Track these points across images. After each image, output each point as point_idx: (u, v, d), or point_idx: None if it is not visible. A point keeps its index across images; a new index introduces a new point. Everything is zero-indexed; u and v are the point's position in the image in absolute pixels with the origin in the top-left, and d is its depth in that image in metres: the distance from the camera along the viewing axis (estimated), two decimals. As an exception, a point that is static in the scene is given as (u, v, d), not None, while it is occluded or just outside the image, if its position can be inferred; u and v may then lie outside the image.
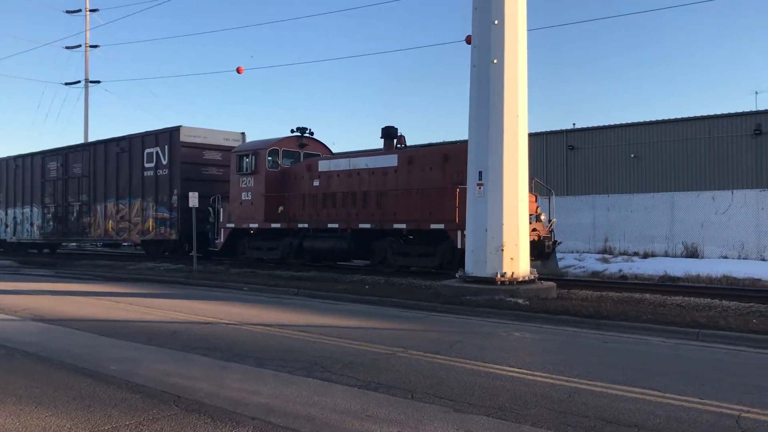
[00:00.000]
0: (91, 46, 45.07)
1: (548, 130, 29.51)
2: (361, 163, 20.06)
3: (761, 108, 25.62)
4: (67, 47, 45.68)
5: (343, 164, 20.54)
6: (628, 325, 10.57)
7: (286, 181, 21.75)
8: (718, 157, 24.93)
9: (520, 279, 13.78)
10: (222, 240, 23.17)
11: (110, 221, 27.71)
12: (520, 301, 12.73)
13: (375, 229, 19.16)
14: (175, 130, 25.01)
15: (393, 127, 20.44)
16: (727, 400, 6.07)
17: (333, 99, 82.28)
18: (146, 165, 25.94)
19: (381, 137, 20.56)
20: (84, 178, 29.15)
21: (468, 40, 14.88)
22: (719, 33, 60.77)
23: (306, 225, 20.70)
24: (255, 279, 18.33)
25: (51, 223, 30.92)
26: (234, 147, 25.07)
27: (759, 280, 16.86)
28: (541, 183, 18.82)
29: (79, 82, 45.32)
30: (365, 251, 19.94)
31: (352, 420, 5.54)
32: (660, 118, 26.49)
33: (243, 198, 22.31)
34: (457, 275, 14.62)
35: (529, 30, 14.44)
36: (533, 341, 9.80)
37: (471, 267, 14.11)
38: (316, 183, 20.86)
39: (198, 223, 23.39)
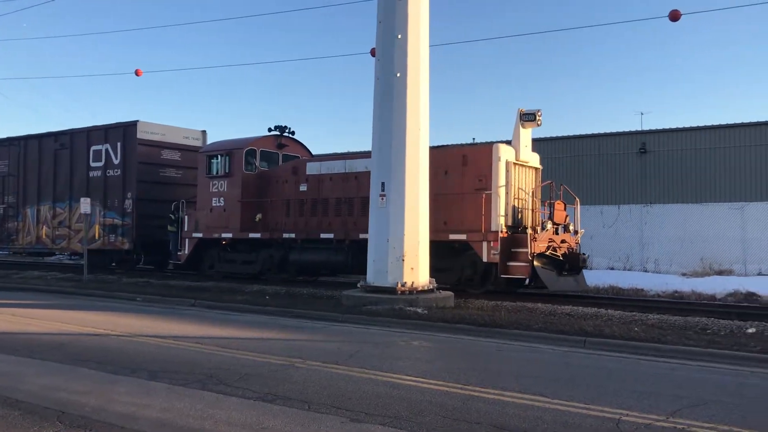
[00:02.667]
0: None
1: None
2: (360, 165, 17.78)
3: (646, 128, 27.27)
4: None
5: (337, 166, 18.44)
6: (521, 333, 10.94)
7: (265, 186, 19.65)
8: (607, 173, 26.28)
9: (420, 288, 14.01)
10: (186, 252, 20.60)
11: (44, 227, 24.63)
12: (419, 310, 12.94)
13: None
14: (130, 126, 22.53)
15: None
16: (609, 405, 6.39)
17: (231, 103, 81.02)
18: (92, 164, 23.22)
19: None
20: (11, 177, 25.77)
21: (373, 53, 15.08)
22: (607, 55, 64.34)
23: (293, 235, 18.60)
24: (149, 289, 17.73)
25: None
26: (195, 146, 23.14)
27: (642, 290, 17.85)
28: (569, 190, 17.45)
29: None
30: (363, 264, 17.39)
31: (246, 433, 5.45)
32: (553, 135, 27.65)
33: (214, 204, 19.96)
34: (358, 285, 14.69)
35: (432, 46, 14.79)
36: (431, 350, 9.97)
37: (372, 277, 14.22)
38: (303, 188, 18.84)
39: (156, 231, 21.60)
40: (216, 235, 19.93)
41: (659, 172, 25.37)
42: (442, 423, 5.75)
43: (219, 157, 19.93)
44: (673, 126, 25.79)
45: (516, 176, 16.18)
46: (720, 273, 20.85)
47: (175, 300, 15.73)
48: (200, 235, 20.22)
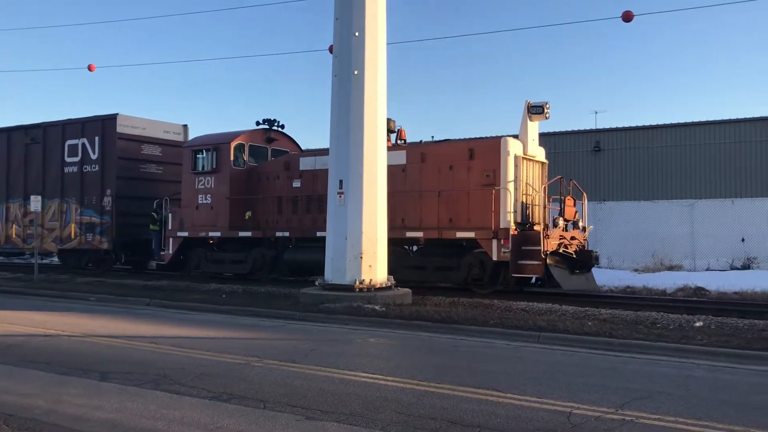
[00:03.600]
0: None
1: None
2: None
3: (600, 127, 27.83)
4: None
5: None
6: (477, 329, 11.07)
7: (255, 182, 18.84)
8: (563, 171, 26.69)
9: (378, 286, 14.05)
10: (170, 251, 19.72)
11: (14, 226, 23.36)
12: (377, 307, 12.98)
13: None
14: (109, 119, 21.44)
15: (390, 119, 17.36)
16: (560, 398, 6.52)
17: (186, 101, 79.88)
18: (68, 159, 22.08)
19: None
20: None
21: (331, 50, 15.05)
22: (563, 54, 65.35)
23: (287, 234, 17.97)
24: (103, 288, 17.40)
25: None
26: (176, 141, 22.32)
27: (602, 286, 18.11)
28: (578, 186, 16.84)
29: None
30: None
31: (200, 432, 5.42)
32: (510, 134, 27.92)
33: (200, 201, 19.07)
34: (316, 283, 14.68)
35: (388, 44, 14.83)
36: (388, 347, 10.03)
37: (330, 275, 14.21)
38: (296, 184, 18.17)
39: (136, 229, 20.85)
40: (203, 234, 19.10)
41: (613, 170, 25.93)
42: (396, 419, 5.80)
43: (205, 152, 19.11)
44: (627, 125, 26.41)
45: (524, 171, 15.58)
46: (671, 268, 21.36)
47: (129, 299, 15.47)
48: (186, 234, 19.39)
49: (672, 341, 9.73)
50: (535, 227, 15.43)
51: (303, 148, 21.46)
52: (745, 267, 22.31)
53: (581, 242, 15.91)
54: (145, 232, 20.80)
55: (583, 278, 15.35)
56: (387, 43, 14.75)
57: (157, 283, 18.26)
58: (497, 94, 67.65)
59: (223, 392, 6.68)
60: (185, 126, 23.59)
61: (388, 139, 17.25)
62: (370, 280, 13.94)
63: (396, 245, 16.12)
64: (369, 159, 14.12)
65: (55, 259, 26.02)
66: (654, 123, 25.85)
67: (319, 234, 16.80)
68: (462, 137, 16.38)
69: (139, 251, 21.94)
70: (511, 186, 15.10)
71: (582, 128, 27.23)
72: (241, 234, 18.47)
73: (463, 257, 15.76)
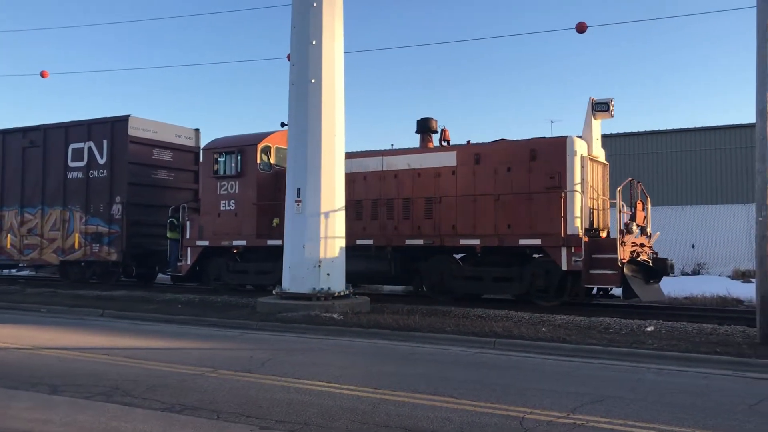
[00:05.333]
0: None
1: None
2: (401, 162, 16.21)
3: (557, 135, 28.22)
4: None
5: (372, 164, 16.54)
6: (435, 336, 11.14)
7: (283, 187, 16.54)
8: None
9: (337, 294, 14.03)
10: (188, 262, 18.22)
11: (9, 236, 21.67)
12: (335, 316, 12.97)
13: (430, 246, 15.46)
14: (120, 121, 20.06)
15: (432, 119, 16.83)
16: (514, 403, 6.61)
17: (142, 106, 78.86)
18: (71, 164, 20.61)
19: (416, 132, 16.92)
20: None
21: (289, 58, 15.03)
22: (521, 66, 66.41)
23: None
24: (55, 299, 16.99)
25: None
26: (188, 146, 21.30)
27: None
28: (643, 189, 15.60)
29: None
30: (407, 274, 16.32)
31: (152, 445, 5.34)
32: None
33: (222, 208, 17.67)
34: (274, 292, 14.59)
35: (345, 52, 14.87)
36: (345, 355, 10.02)
37: (288, 283, 14.15)
38: None
39: (147, 239, 19.74)
40: (226, 243, 17.66)
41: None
42: (352, 427, 5.80)
43: (228, 154, 17.68)
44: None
45: (590, 173, 14.65)
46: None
47: (82, 310, 15.14)
48: (206, 243, 17.95)
49: (623, 346, 9.94)
50: (600, 233, 14.82)
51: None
52: (696, 272, 22.94)
53: (649, 249, 14.90)
54: (157, 243, 19.68)
55: (657, 288, 14.33)
56: (346, 52, 14.82)
57: (112, 293, 17.90)
58: (454, 101, 68.31)
59: (176, 403, 6.59)
60: (197, 130, 22.36)
61: (430, 140, 16.96)
62: (329, 288, 13.92)
63: (443, 254, 15.51)
64: (327, 167, 14.12)
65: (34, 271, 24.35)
66: (606, 132, 26.40)
67: (359, 242, 16.01)
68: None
69: (149, 263, 20.76)
70: (578, 189, 14.15)
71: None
72: (270, 243, 16.86)
73: (524, 267, 14.73)
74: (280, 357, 9.44)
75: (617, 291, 15.21)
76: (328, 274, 13.96)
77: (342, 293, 14.21)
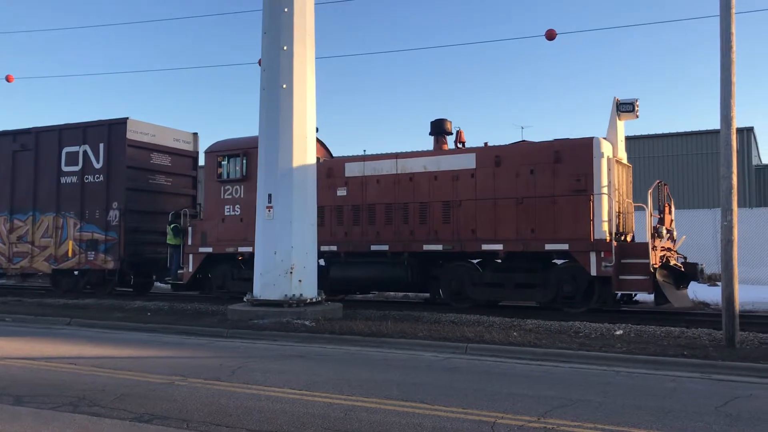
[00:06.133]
0: None
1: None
2: (417, 165, 15.82)
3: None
4: None
5: (386, 167, 16.15)
6: (407, 342, 11.14)
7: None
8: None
9: (308, 301, 13.98)
10: (190, 269, 17.67)
11: None
12: (307, 322, 12.90)
13: (450, 252, 15.17)
14: (118, 123, 19.40)
15: (446, 120, 16.60)
16: (486, 408, 6.64)
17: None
18: (65, 168, 19.86)
19: (430, 133, 16.70)
20: None
21: (260, 63, 14.98)
22: (489, 72, 67.02)
23: (334, 248, 16.30)
24: (21, 308, 16.65)
25: None
26: (186, 150, 20.82)
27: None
28: (669, 192, 15.29)
29: None
30: (427, 280, 16.04)
31: (119, 455, 5.25)
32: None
33: (227, 213, 17.26)
34: (245, 299, 14.47)
35: (318, 58, 14.88)
36: (317, 362, 9.96)
37: (259, 290, 14.05)
38: (341, 192, 16.48)
39: (145, 247, 19.31)
40: (231, 250, 17.18)
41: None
42: (323, 435, 5.77)
43: (232, 157, 17.19)
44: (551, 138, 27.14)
45: (616, 175, 14.42)
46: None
47: (49, 319, 14.86)
48: (209, 249, 17.43)
49: (593, 349, 10.04)
50: (625, 238, 14.53)
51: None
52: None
53: (676, 254, 14.61)
54: (154, 250, 19.25)
55: (685, 294, 13.99)
56: (317, 57, 14.82)
57: (80, 301, 17.61)
58: (426, 106, 68.59)
59: (144, 413, 6.50)
60: (195, 134, 21.85)
61: (445, 142, 16.71)
62: (301, 295, 13.86)
63: (461, 259, 15.24)
64: (298, 173, 14.08)
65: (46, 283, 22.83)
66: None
67: (374, 248, 15.77)
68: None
69: (146, 271, 20.19)
70: (605, 191, 13.85)
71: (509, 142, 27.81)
72: None
73: (549, 273, 14.42)
74: (251, 364, 9.36)
75: (640, 297, 15.12)
76: (300, 281, 13.90)
77: (314, 300, 14.16)
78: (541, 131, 59.68)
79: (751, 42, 61.53)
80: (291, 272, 13.78)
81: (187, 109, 76.83)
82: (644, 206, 13.98)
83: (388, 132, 71.72)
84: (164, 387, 7.71)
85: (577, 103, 66.92)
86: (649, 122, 66.68)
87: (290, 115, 14.01)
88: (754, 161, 32.64)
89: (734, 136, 10.55)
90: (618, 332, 11.49)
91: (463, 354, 10.29)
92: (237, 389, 7.60)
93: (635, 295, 15.07)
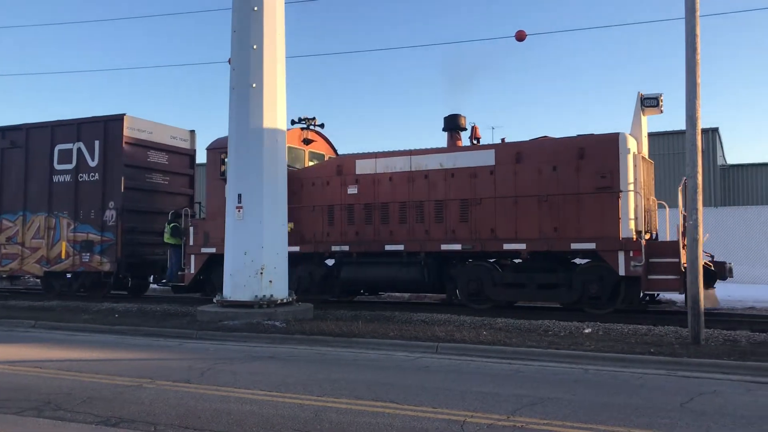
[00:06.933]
0: None
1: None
2: (432, 162, 15.36)
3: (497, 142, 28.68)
4: None
5: (399, 164, 15.68)
6: (378, 342, 11.14)
7: (298, 189, 16.48)
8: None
9: (279, 301, 13.89)
10: (192, 270, 17.08)
11: None
12: (278, 323, 12.84)
13: (469, 252, 14.79)
14: (114, 120, 18.74)
15: (460, 115, 16.13)
16: (455, 407, 6.66)
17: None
18: (58, 166, 19.19)
19: (444, 129, 16.31)
20: None
21: (230, 62, 14.85)
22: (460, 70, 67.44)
23: (346, 248, 15.81)
24: (-16, 311, 16.28)
25: None
26: (183, 148, 20.11)
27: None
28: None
29: None
30: (444, 281, 15.58)
31: (84, 460, 5.17)
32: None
33: None
34: (215, 300, 14.35)
35: (289, 57, 14.80)
36: (287, 363, 9.90)
37: (230, 291, 13.94)
38: (352, 190, 16.01)
39: (143, 248, 18.71)
40: None
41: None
42: (293, 436, 5.74)
43: None
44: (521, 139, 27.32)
45: (641, 172, 14.00)
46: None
47: (13, 321, 14.57)
48: (212, 250, 16.72)
49: (562, 348, 10.14)
50: (646, 236, 14.07)
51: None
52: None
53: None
54: (151, 251, 18.74)
55: (714, 293, 13.44)
56: (288, 57, 14.74)
57: (45, 303, 17.28)
58: (405, 108, 68.65)
59: (111, 416, 6.40)
60: (192, 132, 21.21)
61: (459, 138, 16.32)
62: (271, 295, 13.78)
63: (478, 259, 14.88)
64: (269, 173, 13.99)
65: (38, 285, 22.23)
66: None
67: (388, 248, 15.34)
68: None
69: (142, 273, 19.65)
70: (632, 188, 13.46)
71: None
72: (288, 249, 15.64)
73: (572, 273, 13.97)
74: (220, 366, 9.27)
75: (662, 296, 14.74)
76: (270, 281, 13.81)
77: (285, 300, 14.08)
78: (508, 132, 60.01)
79: (716, 44, 62.81)
80: (261, 273, 13.69)
81: (181, 107, 76.00)
82: (664, 204, 13.80)
83: (388, 133, 71.82)
84: (132, 390, 7.61)
85: (547, 103, 67.70)
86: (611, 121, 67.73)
87: (260, 115, 13.91)
88: (719, 161, 33.26)
89: (699, 136, 10.73)
90: (587, 330, 11.62)
91: (433, 353, 10.32)
92: (206, 391, 7.52)
93: (658, 295, 14.74)
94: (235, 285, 13.82)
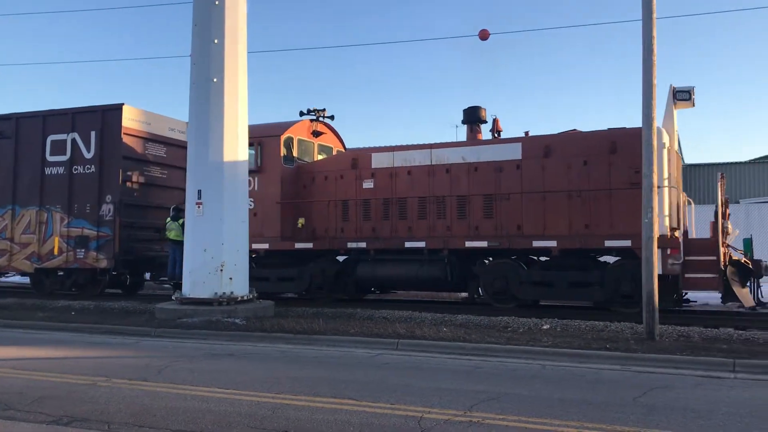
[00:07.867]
0: None
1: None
2: (454, 155, 14.75)
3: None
4: None
5: (418, 158, 15.07)
6: (339, 339, 11.13)
7: (308, 183, 15.93)
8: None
9: (239, 299, 13.77)
10: None
11: None
12: (238, 321, 12.74)
13: (496, 249, 14.23)
14: (112, 110, 17.83)
15: (481, 107, 15.60)
16: (413, 403, 6.69)
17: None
18: (50, 158, 18.19)
19: (463, 122, 15.79)
20: None
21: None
22: (428, 69, 67.68)
23: (363, 245, 15.13)
24: (-66, 309, 15.81)
25: None
26: (181, 140, 18.92)
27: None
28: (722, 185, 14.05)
29: None
30: (467, 279, 15.01)
31: (34, 460, 5.07)
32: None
33: None
34: (173, 297, 14.17)
35: (252, 52, 14.65)
36: (246, 360, 9.84)
37: (189, 288, 13.77)
38: (368, 184, 15.43)
39: (141, 244, 17.92)
40: None
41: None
42: (249, 433, 5.71)
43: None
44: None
45: (674, 167, 13.50)
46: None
47: (-35, 320, 14.18)
48: None
49: (521, 344, 10.25)
50: (675, 233, 13.43)
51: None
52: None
53: (732, 249, 13.74)
54: (149, 248, 18.12)
55: (747, 292, 13.07)
56: (251, 51, 14.60)
57: (1, 301, 16.85)
58: (374, 106, 68.61)
59: (63, 415, 6.29)
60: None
61: (479, 131, 15.82)
62: (231, 292, 13.65)
63: (502, 257, 14.33)
64: (229, 169, 13.85)
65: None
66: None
67: (409, 245, 14.72)
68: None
69: (139, 270, 19.06)
70: (667, 184, 12.77)
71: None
72: (299, 246, 15.45)
73: (603, 271, 13.47)
74: (179, 364, 9.17)
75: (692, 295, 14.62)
76: (230, 278, 13.68)
77: (245, 297, 13.97)
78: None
79: (676, 44, 64.12)
80: (221, 270, 13.55)
81: (174, 97, 74.57)
82: (690, 200, 13.78)
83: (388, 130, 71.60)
84: (86, 388, 7.48)
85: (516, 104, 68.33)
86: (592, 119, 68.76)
87: (221, 110, 13.76)
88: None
89: (655, 136, 10.91)
90: (545, 327, 11.77)
91: (394, 350, 10.35)
92: (163, 389, 7.43)
93: (686, 294, 14.40)
94: (195, 282, 13.66)
